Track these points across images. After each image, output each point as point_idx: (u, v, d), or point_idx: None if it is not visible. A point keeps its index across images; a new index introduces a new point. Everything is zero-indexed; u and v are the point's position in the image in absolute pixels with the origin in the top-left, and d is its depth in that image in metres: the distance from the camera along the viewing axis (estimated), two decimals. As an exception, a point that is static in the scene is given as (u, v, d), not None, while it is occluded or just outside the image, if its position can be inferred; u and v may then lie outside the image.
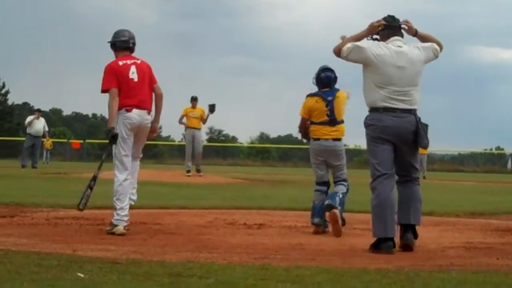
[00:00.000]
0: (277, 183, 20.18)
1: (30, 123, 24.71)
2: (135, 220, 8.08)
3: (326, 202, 7.52)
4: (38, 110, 25.99)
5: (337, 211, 7.36)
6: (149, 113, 7.49)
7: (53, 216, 8.41)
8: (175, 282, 4.27)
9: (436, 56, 6.56)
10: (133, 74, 7.38)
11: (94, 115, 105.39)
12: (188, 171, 19.68)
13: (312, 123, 7.94)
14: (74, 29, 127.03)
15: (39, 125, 24.87)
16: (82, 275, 4.38)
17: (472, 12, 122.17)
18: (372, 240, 6.30)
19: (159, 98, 7.61)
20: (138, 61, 7.51)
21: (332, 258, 5.74)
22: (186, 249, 6.01)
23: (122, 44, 7.55)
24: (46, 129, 25.59)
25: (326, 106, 7.81)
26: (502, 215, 10.57)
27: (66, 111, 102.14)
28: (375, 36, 6.54)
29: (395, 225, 6.24)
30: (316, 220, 7.68)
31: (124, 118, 7.33)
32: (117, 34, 7.59)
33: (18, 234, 6.73)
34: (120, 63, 7.44)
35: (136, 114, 7.34)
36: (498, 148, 67.27)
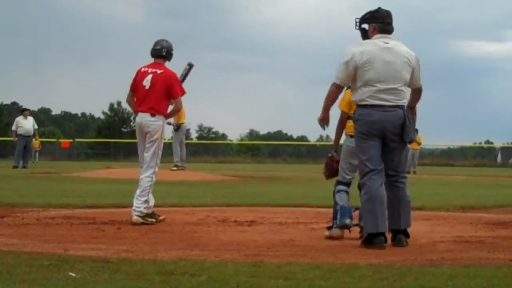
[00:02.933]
0: (267, 179, 20.18)
1: (17, 124, 24.65)
2: (126, 219, 8.07)
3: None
4: (25, 109, 25.90)
5: None
6: (152, 115, 8.11)
7: (44, 216, 8.38)
8: (166, 280, 4.26)
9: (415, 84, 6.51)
10: (146, 82, 8.14)
11: (83, 114, 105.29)
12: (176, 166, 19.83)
13: (350, 118, 7.12)
14: (63, 28, 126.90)
15: (28, 124, 24.73)
16: (73, 275, 4.37)
17: (457, 6, 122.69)
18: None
19: (175, 110, 8.47)
20: (159, 72, 8.17)
21: (324, 254, 5.75)
22: (178, 247, 6.01)
23: (156, 52, 8.28)
24: (36, 127, 25.40)
25: None
26: (493, 208, 10.61)
27: (55, 111, 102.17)
28: (363, 26, 6.54)
29: (386, 219, 6.25)
30: (348, 220, 6.89)
31: (135, 121, 8.35)
32: (154, 43, 8.33)
33: (8, 234, 6.71)
34: (143, 69, 8.26)
35: (139, 117, 8.18)
36: (487, 141, 67.63)
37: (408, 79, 6.40)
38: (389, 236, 6.32)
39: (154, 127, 8.12)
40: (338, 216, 6.94)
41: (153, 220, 8.02)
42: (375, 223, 6.18)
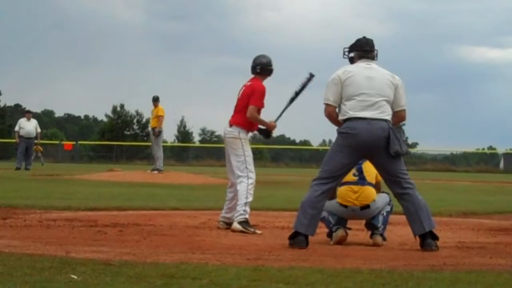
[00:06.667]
0: (269, 183, 20.16)
1: (19, 125, 24.69)
2: (128, 222, 8.08)
3: (371, 221, 6.87)
4: (28, 112, 25.93)
5: (380, 238, 6.79)
6: (231, 125, 8.05)
7: (46, 218, 8.39)
8: (168, 284, 4.27)
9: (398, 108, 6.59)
10: (238, 94, 8.18)
11: (86, 116, 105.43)
12: (153, 170, 19.97)
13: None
14: (65, 30, 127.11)
15: (30, 126, 24.73)
16: (75, 277, 4.38)
17: (460, 11, 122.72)
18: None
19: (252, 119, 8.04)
20: (249, 83, 8.14)
21: (325, 258, 5.75)
22: (179, 250, 6.01)
23: (252, 70, 8.20)
24: (39, 130, 25.36)
25: None
26: (495, 214, 10.62)
27: (58, 113, 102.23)
28: (351, 55, 6.75)
29: (314, 224, 6.48)
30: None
31: None
32: (253, 60, 8.22)
33: (10, 236, 6.71)
34: (240, 86, 8.25)
35: (224, 129, 8.11)
36: (490, 147, 67.64)
37: (391, 96, 6.52)
38: (417, 241, 6.45)
39: (230, 137, 8.04)
40: (330, 219, 6.93)
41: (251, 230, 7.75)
42: (301, 224, 6.45)
